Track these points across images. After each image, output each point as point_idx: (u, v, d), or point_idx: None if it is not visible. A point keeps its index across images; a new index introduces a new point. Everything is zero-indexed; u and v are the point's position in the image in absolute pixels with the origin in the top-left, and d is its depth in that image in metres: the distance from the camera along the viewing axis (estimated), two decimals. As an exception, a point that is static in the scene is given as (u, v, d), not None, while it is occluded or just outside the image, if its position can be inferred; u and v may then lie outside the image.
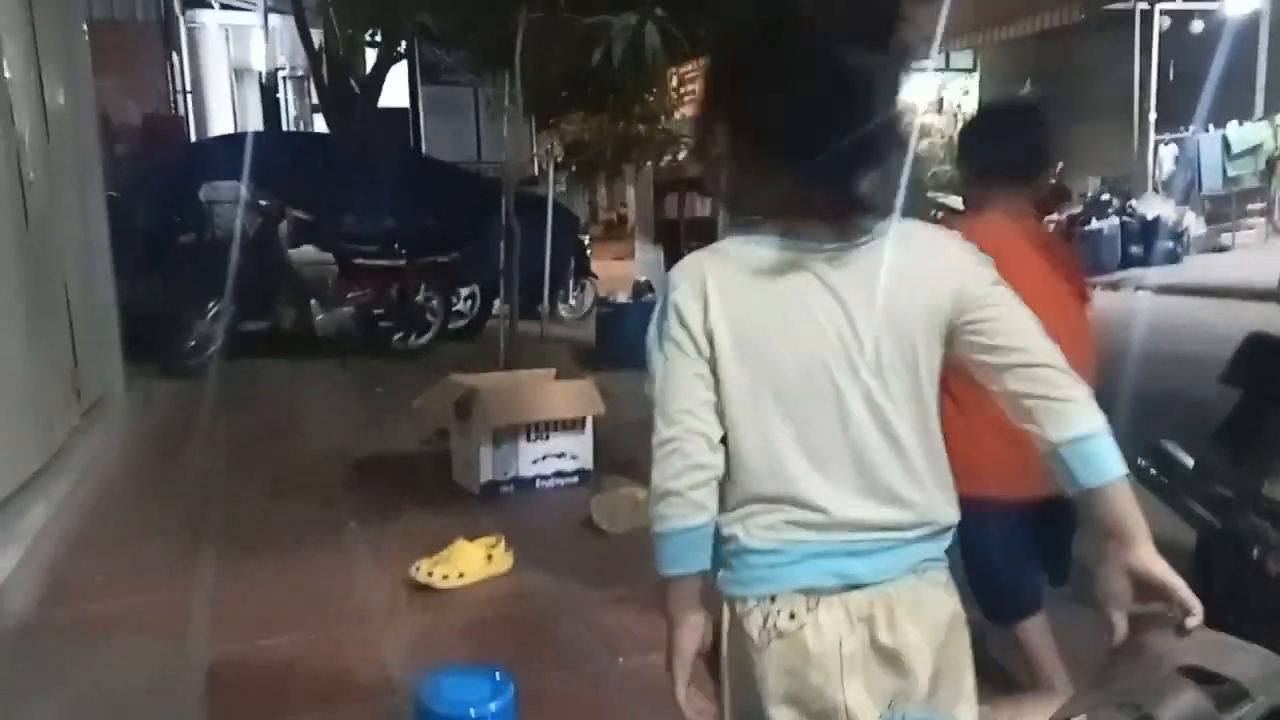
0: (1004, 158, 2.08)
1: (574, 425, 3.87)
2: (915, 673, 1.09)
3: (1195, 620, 1.03)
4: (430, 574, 2.86)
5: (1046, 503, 1.85)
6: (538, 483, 3.82)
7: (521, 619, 2.69)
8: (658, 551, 1.11)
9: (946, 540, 1.15)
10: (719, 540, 1.11)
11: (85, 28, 5.42)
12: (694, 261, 1.13)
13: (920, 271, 1.10)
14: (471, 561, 2.91)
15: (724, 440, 1.10)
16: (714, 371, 1.09)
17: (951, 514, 1.14)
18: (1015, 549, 2.06)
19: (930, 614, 1.11)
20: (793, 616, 1.07)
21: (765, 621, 1.08)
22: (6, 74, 3.68)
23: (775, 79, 1.05)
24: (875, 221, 1.08)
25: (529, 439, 3.81)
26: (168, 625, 2.65)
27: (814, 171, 1.04)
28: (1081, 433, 1.06)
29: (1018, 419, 1.10)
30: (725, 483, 1.11)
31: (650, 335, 1.13)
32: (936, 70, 20.04)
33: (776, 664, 1.08)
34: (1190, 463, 2.44)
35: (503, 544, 3.00)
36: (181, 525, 3.49)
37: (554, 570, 2.95)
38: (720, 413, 1.09)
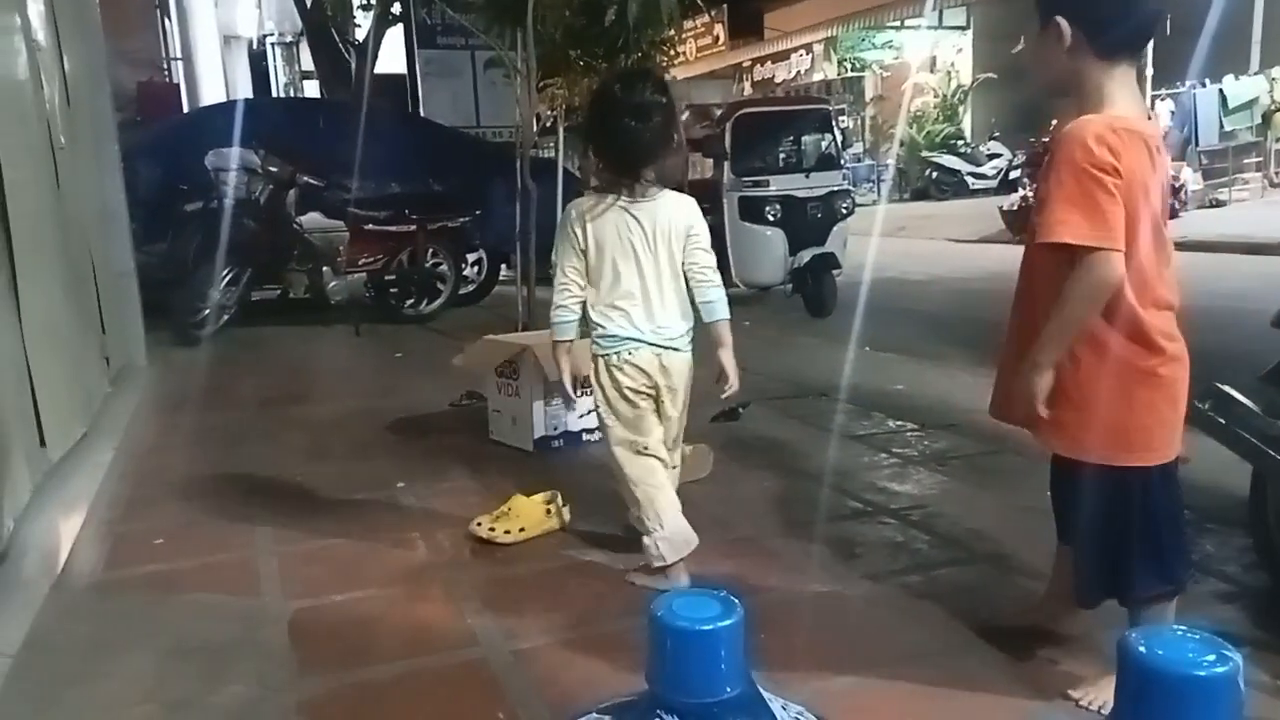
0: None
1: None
2: (674, 380, 2.48)
3: (729, 388, 2.55)
4: (492, 529, 2.89)
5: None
6: (584, 436, 3.85)
7: (594, 568, 2.72)
8: (555, 330, 2.51)
9: (687, 334, 2.49)
10: (593, 328, 2.47)
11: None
12: (579, 201, 2.49)
13: (673, 212, 2.44)
14: (531, 515, 2.94)
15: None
16: (584, 251, 2.44)
17: (685, 324, 2.49)
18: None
19: (682, 359, 2.49)
20: (630, 353, 2.43)
21: (618, 360, 2.45)
22: (35, 37, 3.63)
23: (605, 126, 2.45)
24: (653, 189, 2.43)
25: (577, 395, 3.82)
26: (238, 583, 2.67)
27: (623, 167, 2.42)
28: (708, 299, 2.49)
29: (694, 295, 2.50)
30: (590, 300, 2.46)
31: (558, 235, 2.50)
32: (930, 29, 19.91)
33: (625, 376, 2.45)
34: (1249, 403, 2.48)
35: (560, 498, 3.02)
36: (227, 487, 3.51)
37: (617, 522, 2.93)
38: (585, 270, 2.45)
